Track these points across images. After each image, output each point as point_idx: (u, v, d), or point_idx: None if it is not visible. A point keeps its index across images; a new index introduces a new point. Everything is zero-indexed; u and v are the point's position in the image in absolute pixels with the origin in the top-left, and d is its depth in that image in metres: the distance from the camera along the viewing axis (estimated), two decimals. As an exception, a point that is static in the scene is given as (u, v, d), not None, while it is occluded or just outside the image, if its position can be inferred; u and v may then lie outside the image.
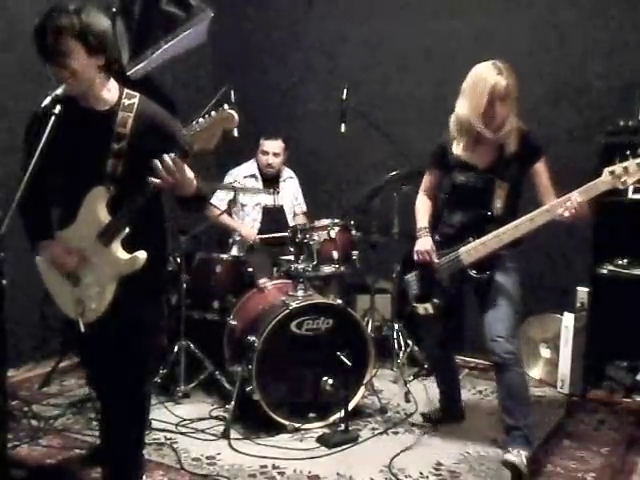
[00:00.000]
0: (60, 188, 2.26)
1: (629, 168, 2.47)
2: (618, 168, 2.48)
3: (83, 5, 2.06)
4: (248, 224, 4.24)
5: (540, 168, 2.78)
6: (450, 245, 2.89)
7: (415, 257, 2.99)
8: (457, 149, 2.85)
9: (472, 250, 2.81)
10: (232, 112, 2.03)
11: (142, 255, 2.16)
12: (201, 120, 2.02)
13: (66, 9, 2.02)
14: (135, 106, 2.19)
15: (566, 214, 2.55)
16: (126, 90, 2.23)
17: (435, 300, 2.94)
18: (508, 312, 2.77)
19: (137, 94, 2.23)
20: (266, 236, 4.11)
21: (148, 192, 2.08)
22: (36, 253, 2.28)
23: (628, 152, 2.55)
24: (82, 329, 2.17)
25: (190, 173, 2.13)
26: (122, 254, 2.17)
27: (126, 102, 2.19)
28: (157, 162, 2.00)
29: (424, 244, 2.95)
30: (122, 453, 2.39)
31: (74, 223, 2.22)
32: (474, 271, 2.83)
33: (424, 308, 2.98)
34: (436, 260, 2.92)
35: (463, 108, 2.76)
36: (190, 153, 2.04)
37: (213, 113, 2.02)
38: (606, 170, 2.50)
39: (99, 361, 2.35)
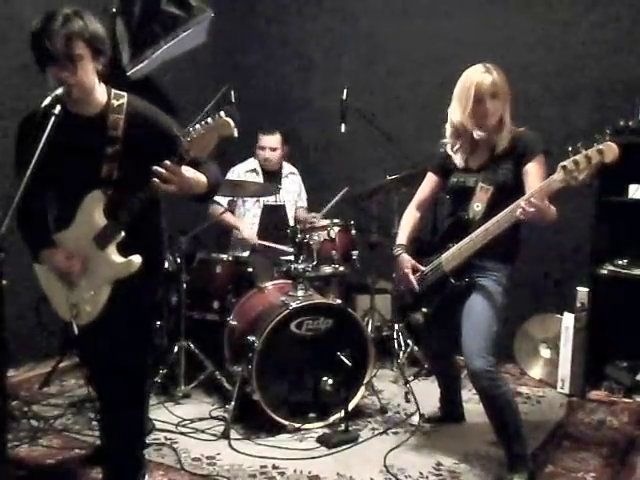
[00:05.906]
0: (56, 192, 2.27)
1: (579, 162, 2.25)
2: (569, 163, 2.27)
3: (83, 10, 2.07)
4: (248, 221, 4.25)
5: (532, 168, 2.58)
6: (438, 252, 2.81)
7: (394, 275, 2.96)
8: (455, 155, 2.80)
9: (450, 256, 2.72)
10: (228, 119, 1.99)
11: (137, 259, 2.17)
12: (197, 127, 2.00)
13: (72, 14, 2.02)
14: (124, 107, 2.18)
15: (522, 216, 2.39)
16: (113, 90, 2.21)
17: (424, 309, 2.89)
18: (486, 325, 2.62)
19: (124, 93, 2.22)
20: (267, 244, 4.07)
21: (148, 195, 2.08)
22: (38, 262, 2.28)
23: (579, 144, 2.27)
24: (75, 331, 2.19)
25: (194, 174, 2.13)
26: (117, 257, 2.18)
27: (115, 103, 2.17)
28: (156, 170, 2.00)
29: (400, 265, 2.93)
30: (123, 453, 2.39)
31: (71, 226, 2.22)
32: (453, 278, 2.73)
33: (415, 318, 2.97)
34: (422, 269, 2.88)
35: (456, 112, 2.70)
36: (186, 159, 2.02)
37: (209, 120, 2.00)
38: (559, 165, 2.31)
39: (97, 360, 2.36)
